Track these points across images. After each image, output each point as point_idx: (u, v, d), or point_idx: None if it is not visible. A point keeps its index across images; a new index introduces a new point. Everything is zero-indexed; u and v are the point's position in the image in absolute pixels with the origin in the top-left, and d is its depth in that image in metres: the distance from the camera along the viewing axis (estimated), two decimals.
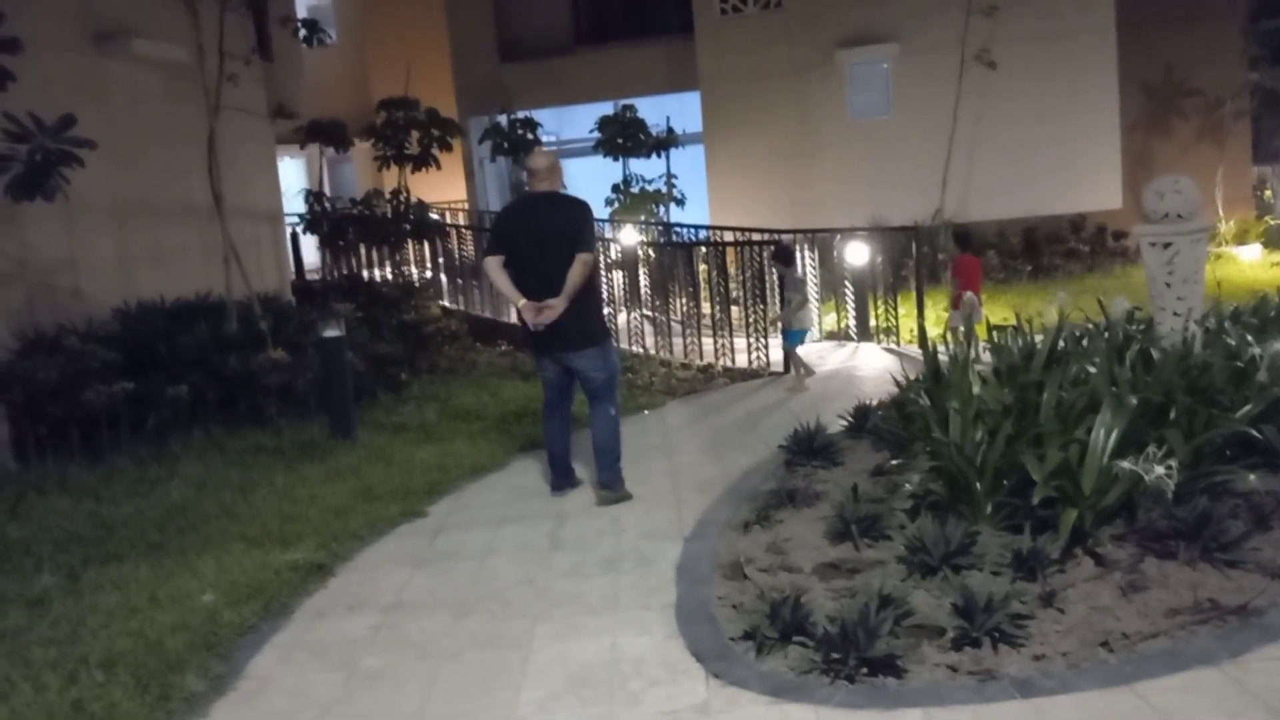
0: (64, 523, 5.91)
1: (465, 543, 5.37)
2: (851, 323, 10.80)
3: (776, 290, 9.85)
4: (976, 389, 5.18)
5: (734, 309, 10.32)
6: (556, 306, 5.60)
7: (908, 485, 4.95)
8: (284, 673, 4.05)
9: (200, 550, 5.36)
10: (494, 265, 5.78)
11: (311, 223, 13.70)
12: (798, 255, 10.96)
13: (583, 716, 3.49)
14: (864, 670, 3.54)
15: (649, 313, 11.33)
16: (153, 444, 7.54)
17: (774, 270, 9.67)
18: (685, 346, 10.29)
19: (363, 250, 14.50)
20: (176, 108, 9.82)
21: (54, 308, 8.71)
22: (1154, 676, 3.32)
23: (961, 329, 8.34)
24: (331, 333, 7.69)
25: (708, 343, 10.09)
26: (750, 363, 9.54)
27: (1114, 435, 4.49)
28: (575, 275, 5.61)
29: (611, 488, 5.88)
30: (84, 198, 8.44)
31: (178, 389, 7.71)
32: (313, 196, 13.81)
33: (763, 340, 9.53)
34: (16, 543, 5.62)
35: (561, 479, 6.12)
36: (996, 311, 10.39)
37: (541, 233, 5.66)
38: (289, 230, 13.53)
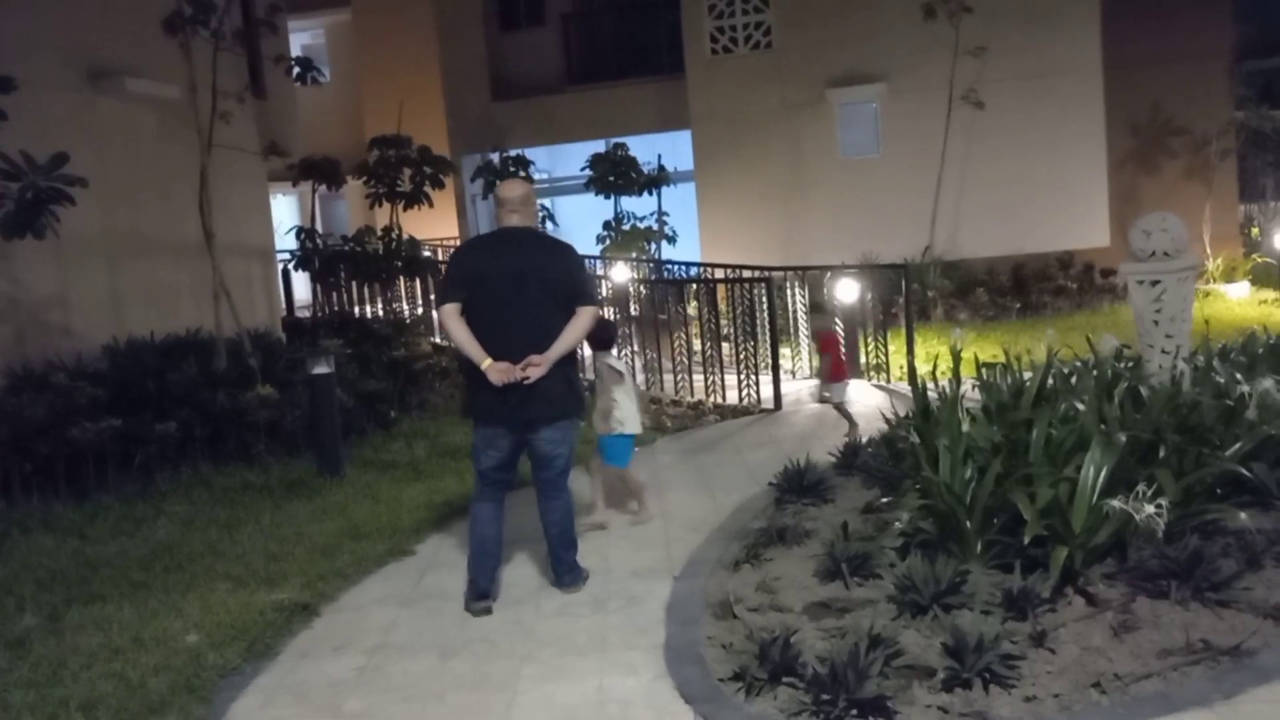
0: (47, 561, 5.85)
1: (452, 582, 5.31)
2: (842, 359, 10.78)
3: (767, 328, 9.84)
4: (966, 427, 5.16)
5: (724, 345, 10.32)
6: (543, 364, 4.70)
7: (898, 523, 4.92)
8: (266, 716, 3.99)
9: (185, 590, 5.30)
10: (452, 315, 4.75)
11: (303, 259, 13.71)
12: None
13: None
14: (854, 712, 3.50)
15: (639, 350, 11.32)
16: (139, 481, 7.49)
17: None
18: (676, 383, 10.28)
19: (354, 287, 14.50)
20: (169, 145, 9.86)
21: (44, 344, 8.69)
22: (1146, 718, 3.29)
23: (839, 401, 8.05)
24: (320, 369, 7.67)
25: (698, 379, 10.07)
26: (741, 399, 9.53)
27: (1103, 473, 4.48)
28: (577, 330, 4.79)
29: (575, 584, 5.08)
30: (76, 235, 8.45)
31: (166, 426, 7.67)
32: (304, 233, 13.83)
33: (753, 377, 9.53)
34: None
35: (488, 587, 4.97)
36: (986, 349, 10.42)
37: (517, 274, 4.73)
38: (280, 267, 13.54)
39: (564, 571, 5.09)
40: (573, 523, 5.13)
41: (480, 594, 4.91)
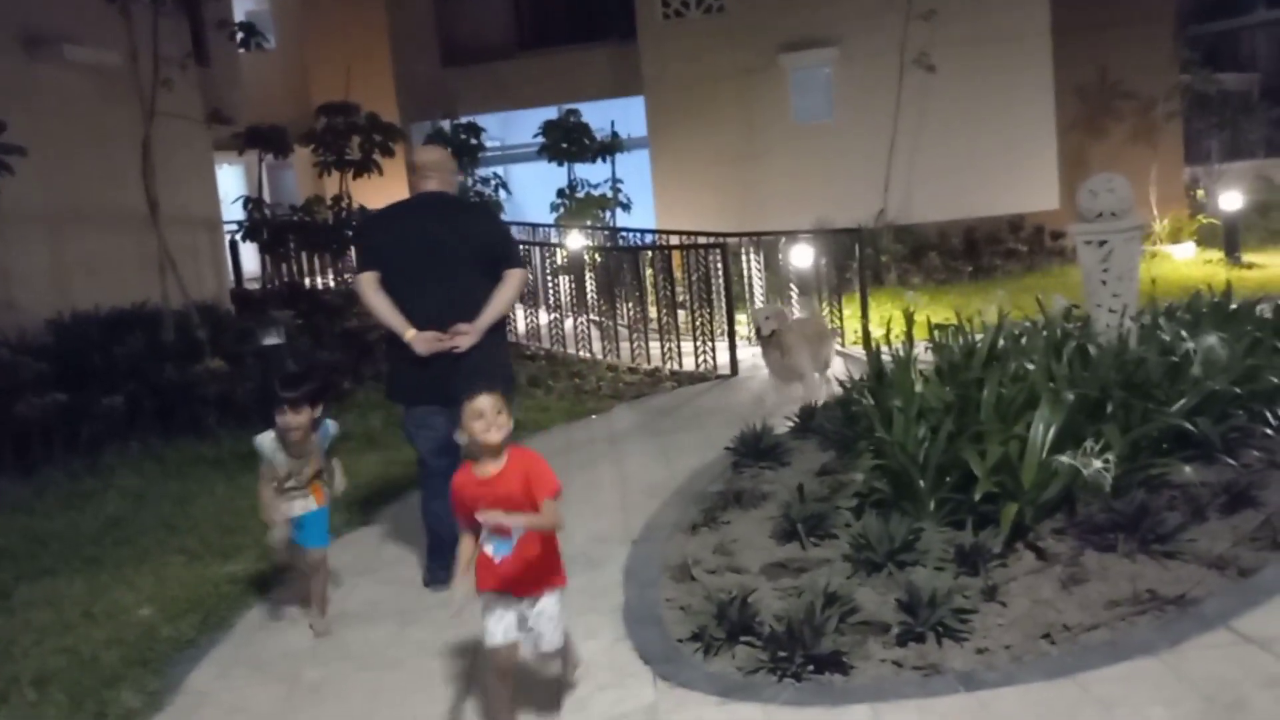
0: None
1: (411, 551, 5.30)
2: None
3: (722, 294, 9.86)
4: (919, 387, 5.22)
5: (680, 313, 10.32)
6: (472, 333, 4.49)
7: (853, 484, 4.97)
8: (223, 687, 3.97)
9: (137, 564, 5.24)
10: (370, 284, 4.50)
11: (251, 230, 13.51)
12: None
13: None
14: (810, 668, 3.55)
15: (595, 317, 11.30)
16: (88, 456, 7.36)
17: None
18: (632, 350, 10.27)
19: (304, 258, 14.32)
20: (110, 113, 9.64)
21: None
22: (1095, 667, 3.36)
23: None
24: (271, 340, 7.57)
25: (655, 347, 10.08)
26: (697, 365, 9.54)
27: (1052, 430, 4.55)
28: (507, 295, 4.62)
29: None
30: (16, 206, 8.26)
31: (113, 400, 7.55)
32: (252, 203, 13.62)
33: (710, 343, 9.55)
34: None
35: (445, 566, 4.35)
36: (938, 311, 10.51)
37: (437, 242, 4.53)
38: (228, 238, 13.33)
39: None
40: None
41: (440, 577, 4.66)
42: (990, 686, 3.33)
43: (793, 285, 10.87)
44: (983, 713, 3.19)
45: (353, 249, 13.80)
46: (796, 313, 10.06)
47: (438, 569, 4.68)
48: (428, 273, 4.51)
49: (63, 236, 9.44)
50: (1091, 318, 6.12)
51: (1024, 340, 5.93)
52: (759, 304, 11.22)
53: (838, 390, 6.86)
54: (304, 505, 4.38)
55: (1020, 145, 14.96)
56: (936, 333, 6.31)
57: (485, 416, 3.25)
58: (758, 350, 10.47)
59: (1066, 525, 4.40)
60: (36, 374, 7.56)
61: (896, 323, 8.45)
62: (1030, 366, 5.20)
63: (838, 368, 8.79)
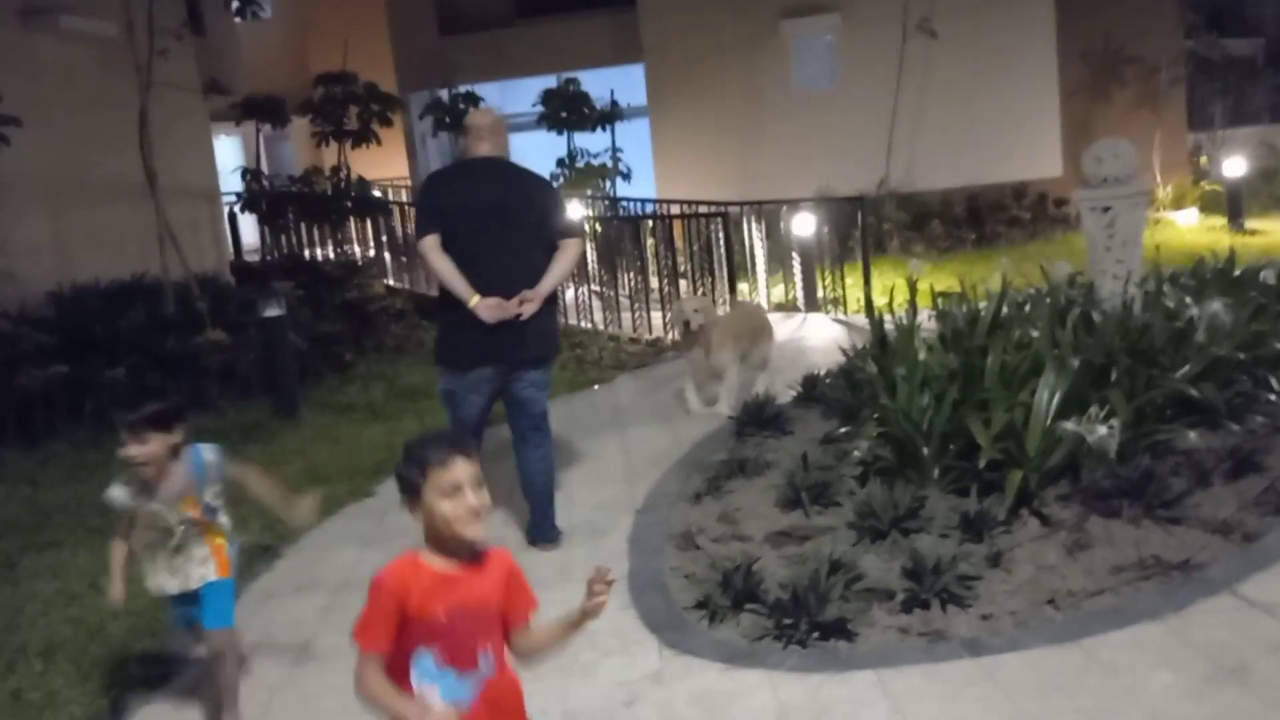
0: None
1: (414, 523, 5.29)
2: (799, 294, 10.82)
3: (724, 264, 9.83)
4: (923, 355, 5.21)
5: (682, 282, 10.29)
6: (536, 299, 4.50)
7: (856, 452, 4.97)
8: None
9: None
10: (434, 247, 4.44)
11: (249, 201, 13.44)
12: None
13: (536, 689, 3.46)
14: (815, 635, 3.56)
15: (596, 287, 11.27)
16: (91, 428, 7.35)
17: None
18: (634, 320, 10.24)
19: (303, 229, 14.26)
20: (107, 84, 9.56)
21: None
22: (1100, 632, 3.37)
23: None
24: (273, 312, 7.55)
25: (657, 317, 10.05)
26: None
27: (1057, 397, 4.54)
28: (567, 263, 4.64)
29: (554, 540, 4.84)
30: (14, 178, 8.21)
31: (115, 372, 7.54)
32: (250, 174, 13.56)
33: None
34: None
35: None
36: (941, 280, 10.48)
37: (500, 207, 4.50)
38: (226, 210, 13.27)
39: (547, 526, 4.85)
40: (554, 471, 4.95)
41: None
42: (995, 652, 3.34)
43: (795, 254, 10.83)
44: (987, 678, 3.20)
45: (363, 219, 13.76)
46: (724, 304, 9.61)
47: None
48: (493, 238, 4.46)
49: (61, 208, 9.39)
50: (1096, 284, 6.10)
51: (1028, 307, 5.91)
52: (761, 272, 11.20)
53: (773, 392, 6.44)
54: (200, 573, 3.41)
55: (1023, 111, 14.85)
56: (940, 300, 6.28)
57: (463, 491, 2.23)
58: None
59: (1071, 492, 4.40)
60: (38, 346, 7.56)
61: (899, 291, 8.41)
62: (1035, 334, 5.19)
63: (840, 335, 8.77)
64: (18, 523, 5.54)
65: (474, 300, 4.41)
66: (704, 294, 9.63)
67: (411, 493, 2.23)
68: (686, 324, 6.45)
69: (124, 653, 3.94)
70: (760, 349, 7.04)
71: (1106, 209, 6.03)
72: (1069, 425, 4.35)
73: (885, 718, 3.03)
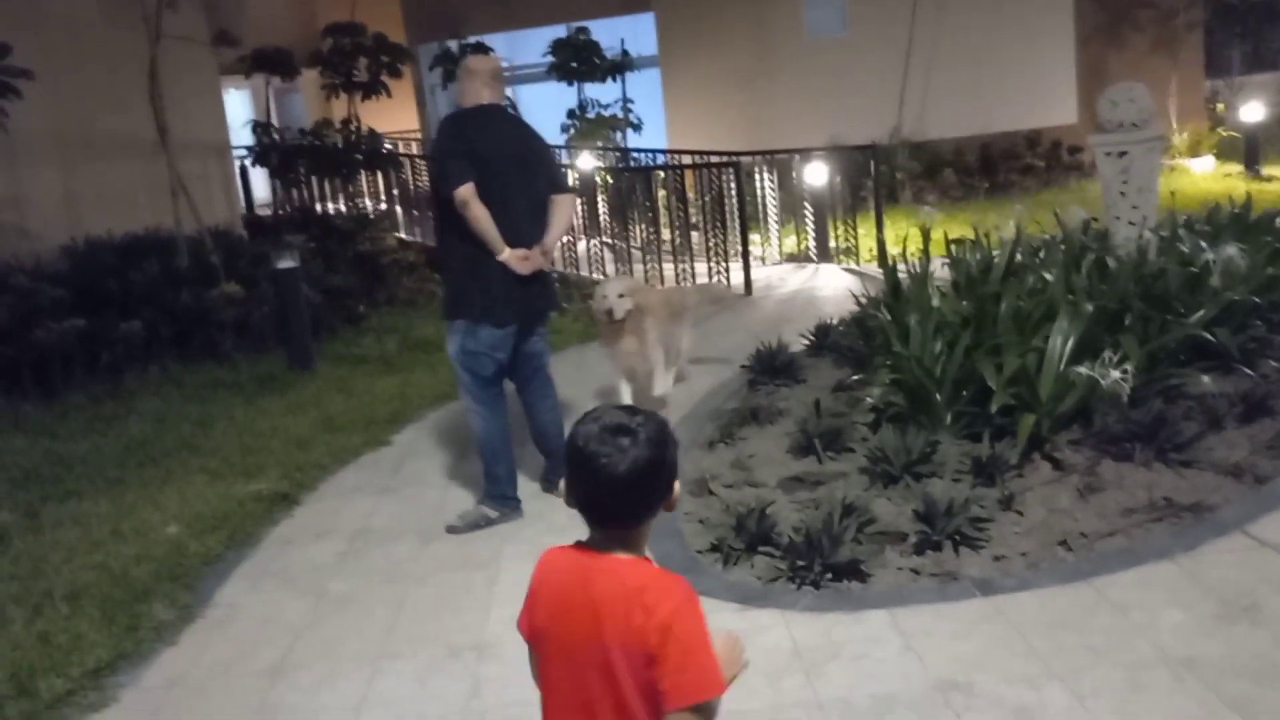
0: (20, 460, 5.83)
1: (429, 470, 5.36)
2: (811, 244, 10.78)
3: (736, 214, 9.80)
4: (936, 302, 5.20)
5: (693, 234, 10.26)
6: (550, 251, 4.55)
7: (868, 399, 4.98)
8: (252, 600, 4.05)
9: (162, 484, 5.31)
10: (474, 195, 4.22)
11: (260, 155, 13.39)
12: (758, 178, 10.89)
13: None
14: (829, 576, 3.60)
15: (608, 239, 11.24)
16: (107, 381, 7.42)
17: (733, 191, 9.57)
18: (646, 272, 10.23)
19: (314, 182, 14.23)
20: (115, 37, 9.50)
21: None
22: (1111, 572, 3.41)
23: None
24: (285, 264, 7.57)
25: (669, 268, 10.04)
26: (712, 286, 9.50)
27: (1071, 342, 4.55)
28: (566, 218, 4.65)
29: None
30: (25, 132, 8.20)
31: (131, 325, 7.59)
32: (260, 128, 13.50)
33: (724, 264, 9.50)
34: None
35: (514, 487, 4.66)
36: (954, 229, 10.42)
37: (519, 157, 4.41)
38: (236, 164, 13.23)
39: (558, 463, 4.72)
40: None
41: (515, 497, 4.62)
42: (1007, 591, 3.38)
43: (806, 204, 10.77)
44: (999, 616, 3.23)
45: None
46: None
47: (511, 488, 4.60)
48: (515, 188, 4.36)
49: (72, 162, 9.39)
50: (1110, 230, 6.07)
51: (1042, 254, 5.89)
52: (773, 223, 11.14)
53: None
54: None
55: (1038, 58, 14.65)
56: (953, 248, 6.26)
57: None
58: (771, 271, 10.49)
59: (1083, 437, 4.42)
60: (54, 300, 7.59)
61: (913, 240, 8.38)
62: (1049, 279, 5.17)
63: (852, 285, 8.73)
64: (39, 473, 5.61)
65: (506, 253, 4.30)
66: (713, 242, 9.60)
67: (671, 481, 1.76)
68: (609, 312, 5.34)
69: (147, 597, 4.00)
70: (678, 334, 6.05)
71: (1122, 154, 5.98)
72: (1082, 370, 4.36)
73: (898, 655, 3.07)
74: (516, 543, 4.29)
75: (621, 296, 5.36)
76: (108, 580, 4.16)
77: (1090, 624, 3.12)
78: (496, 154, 4.32)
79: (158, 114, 8.71)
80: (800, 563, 3.64)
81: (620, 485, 1.66)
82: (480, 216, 4.24)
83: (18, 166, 8.78)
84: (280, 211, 14.05)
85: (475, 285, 4.36)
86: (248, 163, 13.91)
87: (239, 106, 17.75)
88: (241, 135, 14.14)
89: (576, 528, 1.79)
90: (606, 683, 1.65)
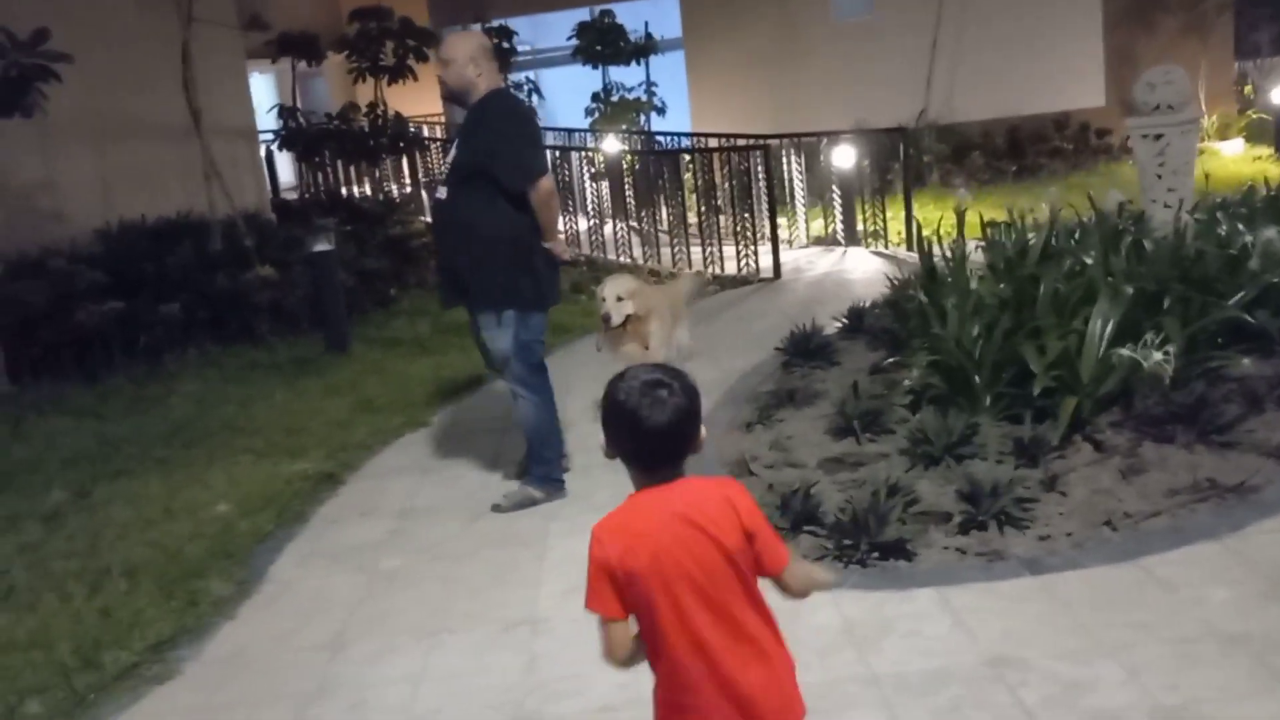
0: (68, 441, 5.94)
1: (469, 450, 5.42)
2: (839, 227, 10.79)
3: (764, 197, 9.82)
4: (974, 284, 5.22)
5: (720, 217, 10.27)
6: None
7: (907, 381, 5.01)
8: (305, 575, 4.13)
9: (207, 463, 5.40)
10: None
11: (287, 139, 13.45)
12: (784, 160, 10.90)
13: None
14: (875, 555, 3.64)
15: (634, 223, 11.27)
16: (145, 363, 7.51)
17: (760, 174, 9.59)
18: (673, 255, 10.26)
19: (340, 167, 14.29)
20: (145, 20, 9.56)
21: (35, 230, 8.61)
22: (1157, 551, 3.44)
23: None
24: (321, 247, 7.64)
25: (696, 251, 10.06)
26: (740, 269, 9.54)
27: (1111, 325, 4.56)
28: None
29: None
30: (59, 116, 8.27)
31: (170, 307, 7.68)
32: (286, 112, 13.55)
33: (752, 247, 9.52)
34: (22, 462, 5.66)
35: (560, 470, 4.81)
36: (984, 211, 10.41)
37: None
38: (263, 148, 13.29)
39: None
40: None
41: (559, 480, 4.70)
42: (1054, 570, 3.42)
43: (834, 187, 10.77)
44: (1047, 595, 3.27)
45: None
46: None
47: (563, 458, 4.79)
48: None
49: (104, 147, 9.46)
50: (1146, 213, 6.06)
51: (1078, 236, 5.90)
52: (800, 206, 11.13)
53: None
54: None
55: (1066, 40, 14.57)
56: (989, 230, 6.27)
57: None
58: (799, 254, 10.50)
59: (1123, 418, 4.44)
60: (91, 283, 7.69)
61: (944, 223, 8.37)
62: (1088, 261, 5.18)
63: (881, 268, 8.74)
64: (88, 453, 5.70)
65: (560, 239, 4.49)
66: (741, 225, 9.60)
67: (699, 425, 1.99)
68: (606, 318, 5.02)
69: (202, 573, 4.09)
70: (679, 333, 5.69)
71: (1158, 136, 5.97)
72: (1124, 351, 4.38)
73: (949, 631, 3.12)
74: (561, 520, 4.35)
75: (620, 300, 5.03)
76: (163, 557, 4.24)
77: (1139, 601, 3.16)
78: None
79: (191, 98, 8.78)
80: (847, 541, 3.68)
81: (667, 430, 1.89)
82: (556, 207, 4.45)
83: (51, 150, 8.86)
84: (305, 195, 14.12)
85: (525, 274, 4.37)
86: (273, 147, 13.97)
87: (261, 90, 17.78)
88: (265, 120, 14.20)
89: (617, 504, 1.93)
90: (732, 573, 1.88)
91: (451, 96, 4.41)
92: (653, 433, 1.88)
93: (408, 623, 3.63)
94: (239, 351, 7.75)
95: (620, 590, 1.88)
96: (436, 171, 14.22)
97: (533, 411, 4.57)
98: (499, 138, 4.30)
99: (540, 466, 4.65)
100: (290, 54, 13.48)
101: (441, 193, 4.46)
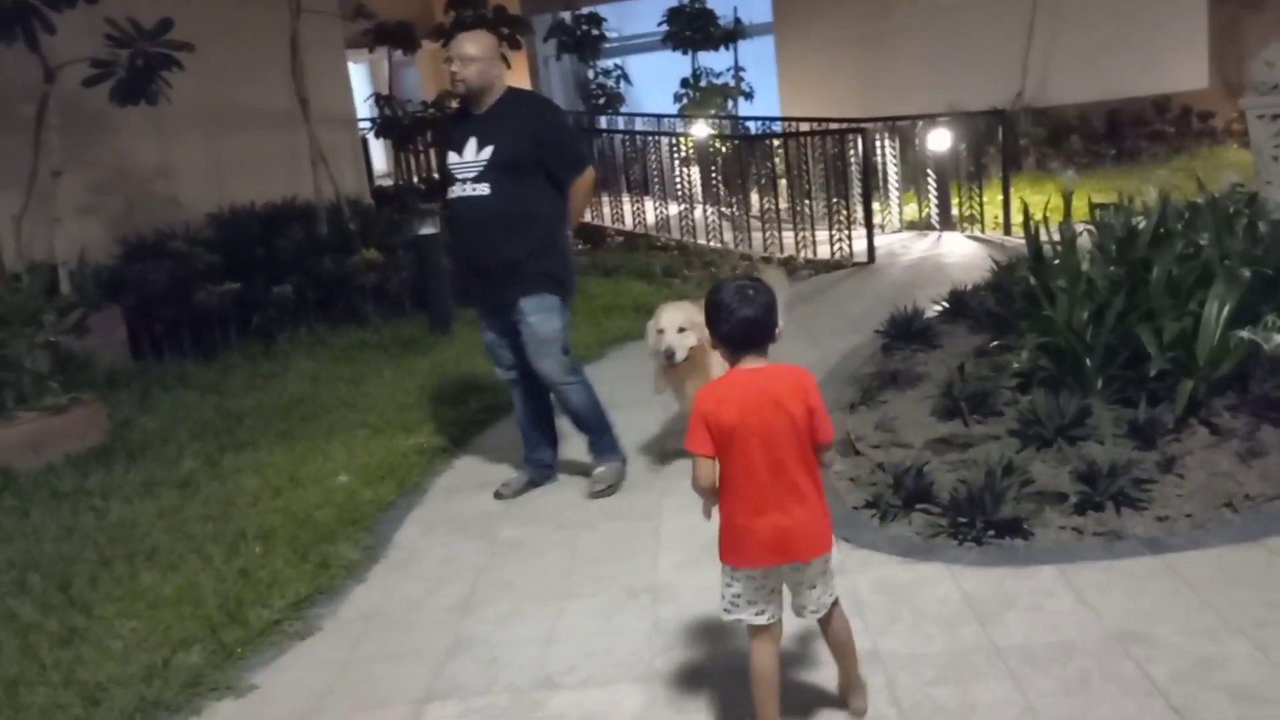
0: (193, 414, 6.23)
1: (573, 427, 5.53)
2: (933, 212, 10.70)
3: (857, 181, 9.79)
4: (1085, 266, 5.18)
5: (811, 201, 10.26)
6: None
7: (1015, 363, 5.00)
8: (430, 543, 4.30)
9: (326, 437, 5.62)
10: None
11: (384, 126, 13.76)
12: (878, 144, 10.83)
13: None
14: (991, 533, 3.67)
15: (725, 208, 11.32)
16: (258, 342, 7.81)
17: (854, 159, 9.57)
18: (765, 240, 10.29)
19: (433, 154, 14.53)
20: (254, 9, 9.88)
21: (151, 214, 8.98)
22: None
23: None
24: (427, 230, 7.84)
25: (788, 236, 10.08)
26: (833, 254, 9.53)
27: (1228, 307, 4.50)
28: None
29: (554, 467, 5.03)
30: (174, 105, 8.60)
31: (283, 289, 7.96)
32: (382, 100, 13.86)
33: (845, 231, 9.51)
34: (154, 432, 5.94)
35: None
36: (1084, 195, 10.23)
37: None
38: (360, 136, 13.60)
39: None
40: None
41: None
42: (1176, 550, 3.41)
43: (929, 171, 10.68)
44: (1170, 574, 3.28)
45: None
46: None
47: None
48: None
49: (215, 134, 9.80)
50: (1261, 194, 5.94)
51: (1187, 218, 5.79)
52: (894, 190, 11.05)
53: None
54: None
55: (1167, 19, 14.16)
56: (1098, 211, 6.19)
57: None
58: (893, 239, 10.43)
59: (1240, 403, 4.38)
60: (210, 265, 8.00)
61: (1048, 205, 8.27)
62: (1202, 243, 5.10)
63: (978, 252, 8.66)
64: (213, 426, 5.97)
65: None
66: (834, 209, 9.58)
67: (776, 317, 2.70)
68: (669, 354, 4.41)
69: (332, 538, 4.28)
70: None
71: (1276, 117, 5.85)
72: (1244, 334, 4.32)
73: (1072, 607, 3.14)
74: (673, 495, 4.44)
75: (683, 331, 4.42)
76: (293, 523, 4.45)
77: (1266, 581, 3.15)
78: None
79: (299, 86, 9.06)
80: (962, 519, 3.72)
81: (757, 317, 2.58)
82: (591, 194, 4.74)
83: (168, 137, 9.22)
84: (399, 182, 14.43)
85: (568, 260, 4.60)
86: (370, 135, 14.29)
87: (356, 79, 18.16)
88: (360, 108, 14.53)
89: None
90: (793, 435, 2.54)
91: (471, 94, 4.41)
92: (747, 319, 2.57)
93: (534, 588, 3.77)
94: (346, 331, 8.00)
95: (712, 436, 2.53)
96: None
97: (584, 394, 4.66)
98: (550, 129, 4.42)
99: (607, 437, 4.77)
100: (386, 43, 13.77)
101: (471, 189, 4.33)
